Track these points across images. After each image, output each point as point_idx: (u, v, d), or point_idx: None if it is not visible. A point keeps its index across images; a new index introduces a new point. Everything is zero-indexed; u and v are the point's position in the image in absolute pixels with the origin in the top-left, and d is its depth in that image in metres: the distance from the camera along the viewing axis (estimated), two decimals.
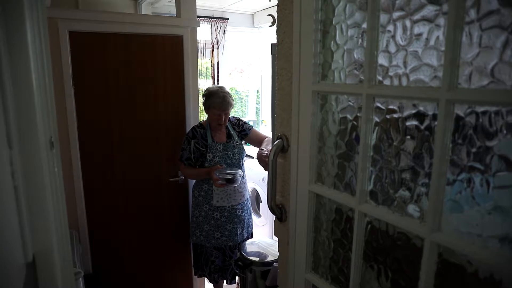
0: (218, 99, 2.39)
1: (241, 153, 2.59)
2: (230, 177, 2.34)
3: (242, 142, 2.63)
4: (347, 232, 0.99)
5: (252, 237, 2.82)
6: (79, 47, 2.38)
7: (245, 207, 2.68)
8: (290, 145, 1.11)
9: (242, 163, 2.64)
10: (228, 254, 2.66)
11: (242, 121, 2.69)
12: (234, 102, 2.51)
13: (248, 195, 2.71)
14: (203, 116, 4.84)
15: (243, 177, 2.55)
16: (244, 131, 2.63)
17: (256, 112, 4.95)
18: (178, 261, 2.98)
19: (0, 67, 0.67)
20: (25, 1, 0.76)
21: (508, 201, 0.64)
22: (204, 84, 4.66)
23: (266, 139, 2.63)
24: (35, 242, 0.81)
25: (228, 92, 2.47)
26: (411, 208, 0.80)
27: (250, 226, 2.78)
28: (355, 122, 0.91)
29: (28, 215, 0.77)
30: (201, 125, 2.56)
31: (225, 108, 2.43)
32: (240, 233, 2.64)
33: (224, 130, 2.57)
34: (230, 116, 2.62)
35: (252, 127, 2.68)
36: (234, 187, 2.51)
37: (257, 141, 2.66)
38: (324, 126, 1.01)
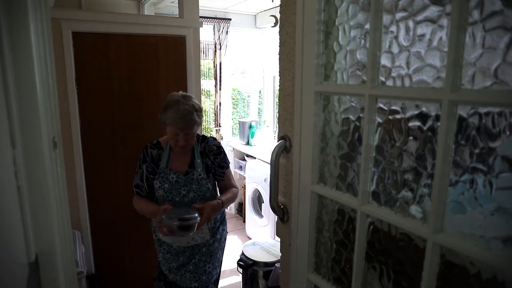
0: (174, 114, 1.68)
1: (201, 191, 1.81)
2: (180, 224, 1.59)
3: (209, 176, 1.88)
4: (349, 232, 0.99)
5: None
6: (82, 48, 2.39)
7: (199, 253, 1.91)
8: (292, 146, 1.11)
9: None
10: None
11: (224, 152, 1.94)
12: (201, 119, 1.80)
13: (208, 236, 1.91)
14: (206, 117, 4.86)
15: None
16: (221, 168, 1.91)
17: (258, 113, 4.95)
18: None
19: (4, 67, 0.67)
20: (28, 2, 0.76)
21: (511, 202, 0.63)
22: (207, 84, 4.67)
23: (231, 190, 1.92)
24: (38, 242, 0.81)
25: (194, 104, 1.76)
26: (414, 209, 0.79)
27: (208, 274, 1.93)
28: (357, 123, 0.91)
29: (31, 214, 0.78)
30: (157, 143, 1.88)
31: (183, 127, 1.70)
32: (188, 278, 1.91)
33: (188, 155, 1.86)
34: (212, 139, 1.93)
35: (229, 166, 1.97)
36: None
37: (224, 187, 1.96)
38: (327, 126, 1.01)
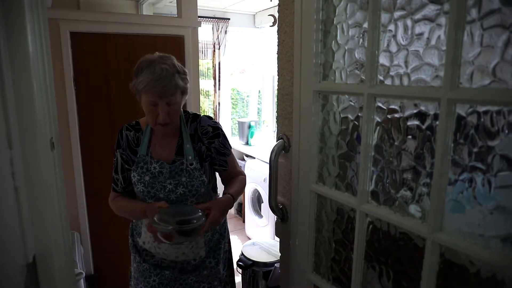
0: (149, 76, 1.26)
1: (193, 185, 1.38)
2: (178, 228, 1.20)
3: (203, 166, 1.43)
4: (348, 232, 0.99)
5: None
6: (80, 48, 2.38)
7: (206, 281, 1.47)
8: (291, 145, 1.11)
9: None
10: None
11: (223, 135, 1.48)
12: (187, 85, 1.37)
13: (203, 252, 1.47)
14: None
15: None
16: (222, 155, 1.47)
17: (258, 113, 4.94)
18: None
19: (0, 67, 0.67)
20: (25, 1, 0.76)
21: (510, 200, 0.63)
22: (206, 84, 4.66)
23: (238, 179, 1.52)
24: (36, 243, 0.81)
25: (175, 64, 1.33)
26: (413, 208, 0.79)
27: None
28: (356, 122, 0.91)
29: (29, 216, 0.77)
30: (136, 124, 1.48)
31: (162, 92, 1.27)
32: None
33: (175, 139, 1.43)
34: (206, 117, 1.48)
35: (231, 151, 1.53)
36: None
37: (228, 177, 1.54)
38: (325, 126, 1.00)
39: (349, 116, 0.93)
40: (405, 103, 0.78)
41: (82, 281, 2.18)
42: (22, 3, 0.75)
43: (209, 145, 1.44)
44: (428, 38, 0.72)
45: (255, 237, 3.74)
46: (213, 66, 4.42)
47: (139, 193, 1.41)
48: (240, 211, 4.42)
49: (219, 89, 4.45)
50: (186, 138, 1.41)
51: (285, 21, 1.07)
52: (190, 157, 1.39)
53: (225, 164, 1.49)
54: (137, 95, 1.34)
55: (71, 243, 1.82)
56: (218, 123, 1.50)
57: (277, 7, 1.10)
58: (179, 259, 1.44)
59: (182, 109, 1.44)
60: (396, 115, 0.81)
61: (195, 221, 1.22)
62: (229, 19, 4.33)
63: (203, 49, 4.33)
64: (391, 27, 0.78)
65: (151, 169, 1.38)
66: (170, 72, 1.28)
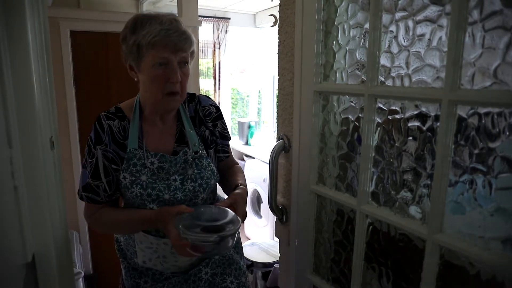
0: (158, 26, 1.01)
1: (202, 178, 1.12)
2: (220, 238, 0.91)
3: (210, 153, 1.18)
4: (348, 233, 0.99)
5: None
6: (80, 47, 2.38)
7: (211, 263, 1.19)
8: (291, 146, 1.11)
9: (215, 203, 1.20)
10: None
11: (223, 117, 1.25)
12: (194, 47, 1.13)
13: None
14: None
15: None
16: (225, 139, 1.24)
17: (258, 113, 4.94)
18: None
19: (0, 66, 0.66)
20: (26, 0, 0.76)
21: (511, 202, 0.63)
22: (206, 84, 4.66)
23: (239, 169, 1.29)
24: (35, 242, 0.81)
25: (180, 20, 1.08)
26: (413, 209, 0.79)
27: None
28: (357, 123, 0.91)
29: (28, 215, 0.77)
30: (118, 110, 1.14)
31: (176, 44, 1.03)
32: None
33: (173, 124, 1.17)
34: (205, 97, 1.28)
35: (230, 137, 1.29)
36: None
37: (227, 166, 1.29)
38: (326, 126, 1.00)
39: (350, 116, 0.93)
40: (406, 104, 0.78)
41: (81, 280, 2.18)
42: (23, 2, 0.75)
43: (213, 128, 1.20)
44: (429, 39, 0.72)
45: (254, 237, 3.73)
46: (213, 66, 4.42)
47: (135, 197, 1.08)
48: None
49: (219, 88, 4.45)
50: (186, 122, 1.16)
51: (286, 21, 1.07)
52: (194, 144, 1.13)
53: (227, 151, 1.26)
54: (132, 59, 1.07)
55: (70, 242, 1.82)
56: (216, 103, 1.30)
57: (278, 7, 1.10)
58: (192, 261, 1.18)
59: None
60: (397, 116, 0.80)
61: (232, 225, 0.95)
62: (229, 18, 4.32)
63: (203, 49, 4.32)
64: (393, 28, 0.78)
65: (148, 165, 1.08)
66: (180, 23, 1.06)
